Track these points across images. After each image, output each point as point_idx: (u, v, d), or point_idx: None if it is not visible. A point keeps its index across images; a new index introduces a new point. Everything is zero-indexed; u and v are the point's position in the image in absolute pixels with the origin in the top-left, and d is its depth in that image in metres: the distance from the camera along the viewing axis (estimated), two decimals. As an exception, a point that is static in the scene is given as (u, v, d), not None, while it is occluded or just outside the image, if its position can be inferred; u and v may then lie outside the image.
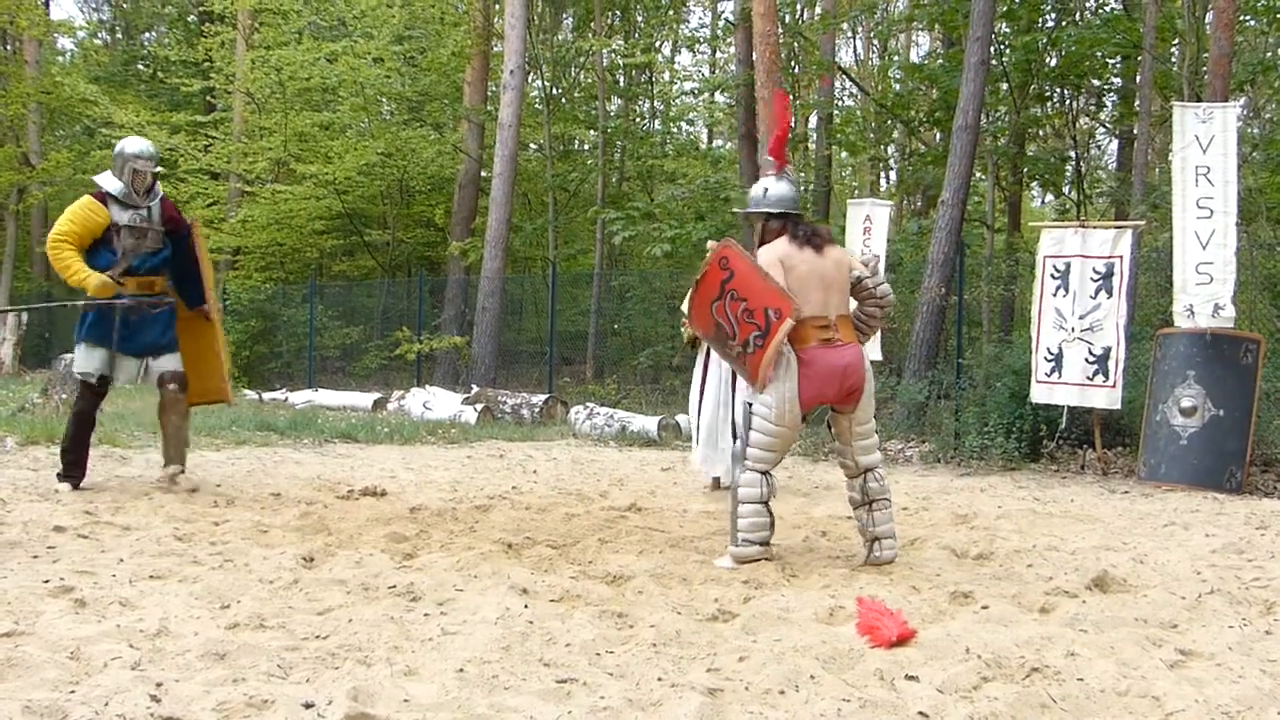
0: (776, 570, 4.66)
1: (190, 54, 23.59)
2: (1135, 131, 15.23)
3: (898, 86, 20.26)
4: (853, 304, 5.07)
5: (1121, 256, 8.84)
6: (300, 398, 15.86)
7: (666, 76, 27.55)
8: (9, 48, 27.03)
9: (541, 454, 10.23)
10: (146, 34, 31.71)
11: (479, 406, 13.42)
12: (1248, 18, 14.83)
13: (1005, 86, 16.10)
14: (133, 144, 6.56)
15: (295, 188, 20.26)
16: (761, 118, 12.95)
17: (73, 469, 6.55)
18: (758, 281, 4.75)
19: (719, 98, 24.21)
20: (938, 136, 18.73)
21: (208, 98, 24.28)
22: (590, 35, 20.72)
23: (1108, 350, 8.79)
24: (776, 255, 4.84)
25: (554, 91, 21.83)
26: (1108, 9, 17.29)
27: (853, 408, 4.88)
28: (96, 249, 6.38)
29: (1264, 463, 8.67)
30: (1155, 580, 4.64)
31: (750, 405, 4.89)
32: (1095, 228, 9.20)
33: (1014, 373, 9.82)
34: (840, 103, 23.15)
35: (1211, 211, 8.30)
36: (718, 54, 27.95)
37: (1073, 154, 19.36)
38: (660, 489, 7.80)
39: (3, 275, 24.95)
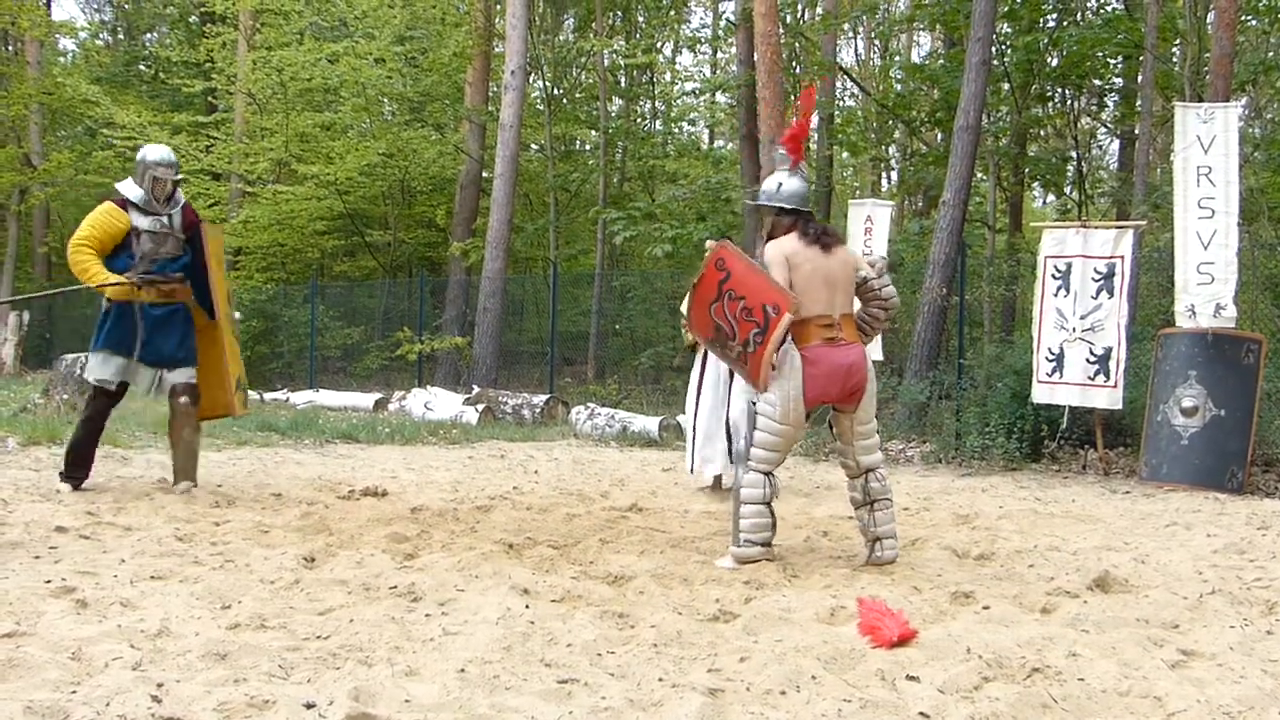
0: (778, 570, 4.66)
1: (192, 55, 23.58)
2: (1137, 131, 15.23)
3: (899, 87, 20.26)
4: (856, 304, 5.06)
5: (1123, 256, 8.84)
6: (301, 398, 15.87)
7: (668, 77, 27.55)
8: (11, 49, 27.07)
9: (543, 454, 10.23)
10: (148, 35, 31.71)
11: (480, 407, 13.42)
12: (1249, 17, 14.82)
13: (1006, 87, 16.10)
14: (154, 151, 6.58)
15: (296, 188, 20.27)
16: (763, 118, 12.95)
17: (75, 470, 6.54)
18: (754, 279, 4.75)
19: (720, 98, 24.21)
20: (939, 137, 18.72)
21: (209, 98, 24.28)
22: (591, 36, 20.72)
23: (1109, 350, 8.78)
24: (783, 252, 4.83)
25: (555, 92, 21.83)
26: (1109, 9, 17.28)
27: (854, 407, 4.88)
28: (117, 254, 6.41)
29: (1265, 463, 8.67)
30: (1157, 580, 4.64)
31: (754, 405, 4.88)
32: (1097, 228, 9.20)
33: (1015, 373, 9.82)
34: (841, 103, 23.16)
35: (1213, 211, 8.29)
36: (719, 54, 27.95)
37: (1074, 154, 19.35)
38: (661, 489, 7.80)
39: (4, 276, 24.96)
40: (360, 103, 20.42)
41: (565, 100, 22.88)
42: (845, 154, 23.20)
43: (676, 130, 25.78)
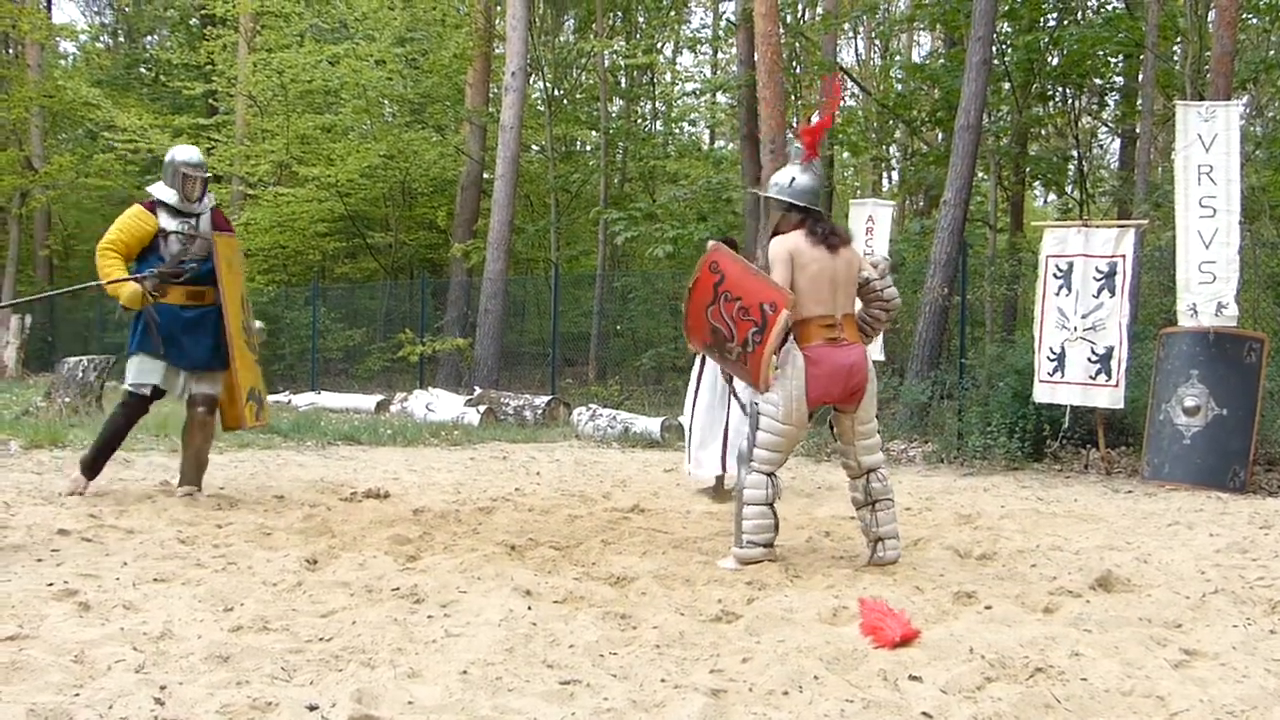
0: (780, 571, 4.66)
1: (192, 57, 23.63)
2: (1138, 130, 15.22)
3: (899, 86, 20.25)
4: (857, 304, 5.06)
5: (1124, 256, 8.83)
6: (303, 400, 15.88)
7: (668, 77, 27.57)
8: (11, 52, 27.10)
9: (544, 455, 10.23)
10: (149, 37, 31.74)
11: (482, 408, 13.42)
12: (1250, 16, 14.81)
13: (1007, 86, 16.09)
14: (181, 152, 6.60)
15: (298, 190, 20.29)
16: (763, 118, 12.95)
17: (89, 470, 6.49)
18: (750, 279, 4.74)
19: (720, 98, 24.21)
20: (940, 136, 18.72)
21: (210, 101, 24.31)
22: (592, 36, 20.74)
23: (1110, 349, 8.78)
24: (788, 248, 4.81)
25: (556, 93, 21.83)
26: (1110, 8, 17.27)
27: (855, 407, 4.88)
28: (145, 256, 6.41)
29: (1268, 462, 8.66)
30: (1159, 580, 4.64)
31: (756, 405, 4.88)
32: (1098, 227, 9.19)
33: (1017, 372, 9.81)
34: (842, 103, 23.12)
35: (1214, 210, 8.29)
36: (719, 55, 27.96)
37: (1075, 153, 19.34)
38: (663, 490, 7.80)
39: (5, 279, 24.98)
40: (361, 104, 20.43)
41: (566, 101, 22.88)
42: (846, 154, 23.19)
43: (677, 131, 25.80)
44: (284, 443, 10.21)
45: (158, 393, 6.43)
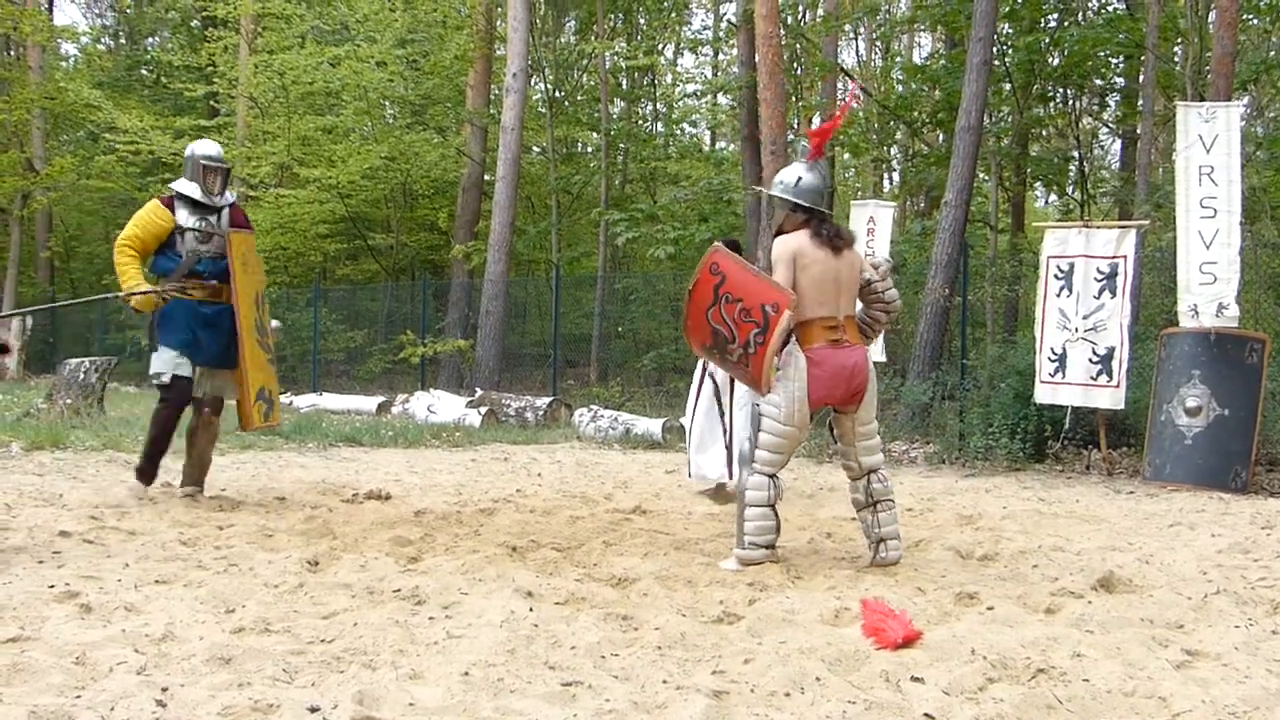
0: (781, 572, 4.66)
1: (193, 59, 23.64)
2: (1138, 131, 15.21)
3: (900, 88, 20.25)
4: (858, 305, 5.05)
5: (1125, 256, 8.83)
6: (305, 401, 15.88)
7: (669, 79, 27.58)
8: (13, 53, 27.09)
9: (546, 457, 10.23)
10: (150, 39, 31.76)
11: (483, 410, 13.42)
12: (1250, 17, 14.80)
13: (1008, 87, 16.09)
14: (201, 146, 6.65)
15: (299, 192, 20.30)
16: (764, 119, 12.95)
17: (145, 475, 6.48)
18: (751, 280, 4.73)
19: (721, 100, 24.21)
20: (940, 137, 18.71)
21: (211, 102, 24.32)
22: (593, 38, 20.75)
23: (1111, 350, 8.78)
24: (791, 249, 4.80)
25: (557, 94, 21.84)
26: (1110, 9, 17.27)
27: (856, 408, 4.87)
28: (162, 252, 6.41)
29: (1269, 462, 8.66)
30: (1161, 580, 4.63)
31: (758, 407, 4.87)
32: (1099, 228, 9.19)
33: (1018, 373, 9.81)
34: (842, 104, 23.13)
35: (1215, 211, 8.28)
36: (720, 56, 27.98)
37: (1076, 154, 19.33)
38: (665, 491, 7.80)
39: (7, 281, 24.99)
40: (362, 106, 20.44)
41: (567, 102, 22.89)
42: (847, 155, 23.19)
43: (678, 132, 25.81)
44: (286, 444, 10.21)
45: (190, 383, 6.36)
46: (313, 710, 2.83)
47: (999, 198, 17.49)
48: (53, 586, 4.10)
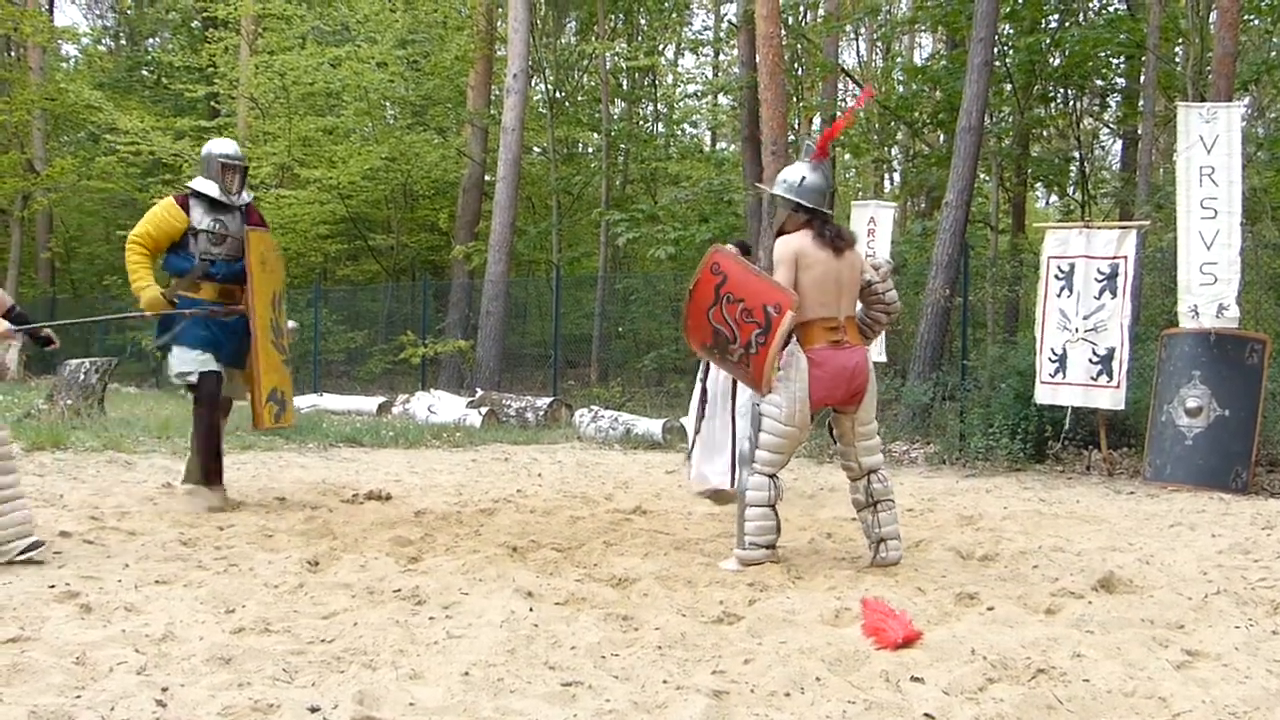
0: (782, 572, 4.66)
1: (194, 59, 23.63)
2: (1139, 132, 15.20)
3: (901, 88, 20.25)
4: (858, 306, 5.06)
5: (1126, 257, 8.83)
6: (305, 402, 15.87)
7: (670, 79, 27.57)
8: (13, 54, 27.11)
9: (546, 457, 10.23)
10: (150, 40, 31.76)
11: (484, 410, 13.42)
12: (1251, 17, 14.81)
13: (1009, 87, 16.09)
14: (218, 144, 6.56)
15: (299, 192, 20.29)
16: (765, 120, 12.95)
17: (204, 479, 6.37)
18: (753, 281, 4.73)
19: (722, 100, 24.20)
20: (941, 138, 18.71)
21: (212, 103, 24.31)
22: (593, 38, 20.75)
23: (1112, 351, 8.77)
24: (793, 249, 4.80)
25: (557, 95, 21.85)
26: (1111, 9, 17.26)
27: (856, 408, 4.88)
28: (175, 251, 6.33)
29: (1270, 463, 8.66)
30: (1161, 581, 4.63)
31: (759, 407, 4.87)
32: (1099, 228, 9.19)
33: (1018, 374, 9.81)
34: (844, 105, 23.15)
35: (1216, 212, 8.28)
36: (721, 56, 27.98)
37: (1077, 154, 19.33)
38: (665, 491, 7.80)
39: (8, 282, 25.00)
40: (363, 107, 20.45)
41: (567, 103, 22.90)
42: (848, 155, 23.19)
43: (679, 132, 25.80)
44: (286, 445, 10.22)
45: (218, 378, 6.29)
46: (313, 710, 2.83)
47: (1000, 198, 17.49)
48: (53, 586, 4.10)
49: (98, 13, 32.59)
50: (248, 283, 6.29)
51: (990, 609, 4.05)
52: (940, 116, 17.58)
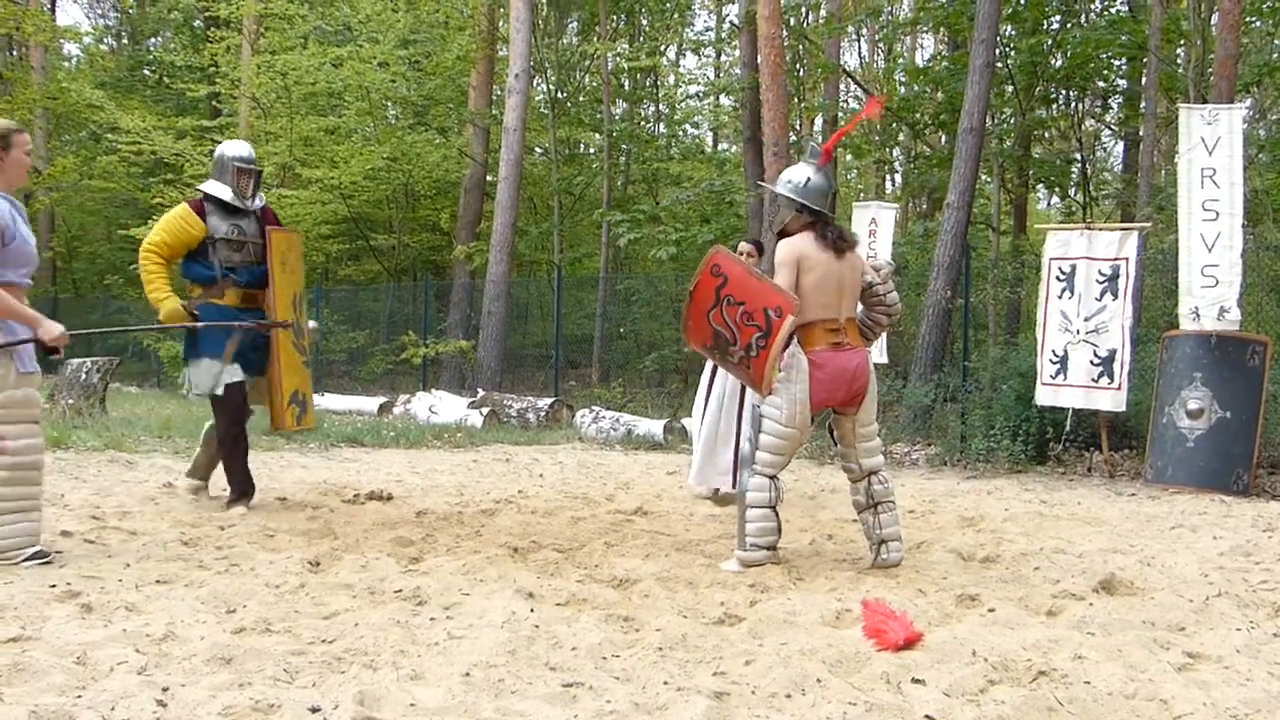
0: (783, 574, 4.66)
1: (196, 59, 23.63)
2: (1141, 133, 15.21)
3: (903, 89, 20.25)
4: (859, 307, 5.05)
5: (1127, 259, 8.83)
6: (306, 402, 15.84)
7: (671, 80, 27.57)
8: (15, 54, 27.12)
9: (547, 458, 10.23)
10: (152, 39, 31.77)
11: (485, 410, 13.42)
12: (1253, 19, 14.80)
13: (1010, 89, 16.08)
14: (231, 147, 6.45)
15: (301, 192, 20.28)
16: (766, 121, 12.95)
17: (237, 485, 6.29)
18: (754, 283, 4.72)
19: (724, 101, 24.19)
20: (943, 139, 18.71)
21: (213, 102, 24.32)
22: (595, 39, 20.75)
23: (1113, 352, 8.77)
24: (795, 251, 4.80)
25: (559, 95, 21.84)
26: (1113, 11, 17.26)
27: (856, 410, 4.88)
28: (192, 258, 6.21)
29: (1271, 465, 8.66)
30: (1162, 583, 4.63)
31: (759, 409, 4.87)
32: (1101, 230, 9.19)
33: (1020, 375, 9.80)
34: (845, 106, 23.15)
35: (1217, 214, 8.28)
36: (722, 57, 27.97)
37: (1078, 156, 19.32)
38: (666, 492, 7.80)
39: (9, 281, 25.04)
40: (364, 107, 20.45)
41: (569, 103, 22.89)
42: (849, 156, 23.19)
43: (680, 133, 25.77)
44: (287, 445, 10.21)
45: (240, 389, 6.22)
46: (313, 710, 2.83)
47: (1001, 200, 17.48)
48: (54, 586, 4.10)
49: (100, 12, 32.65)
50: (269, 285, 6.23)
51: (991, 611, 4.05)
52: (942, 118, 17.57)
